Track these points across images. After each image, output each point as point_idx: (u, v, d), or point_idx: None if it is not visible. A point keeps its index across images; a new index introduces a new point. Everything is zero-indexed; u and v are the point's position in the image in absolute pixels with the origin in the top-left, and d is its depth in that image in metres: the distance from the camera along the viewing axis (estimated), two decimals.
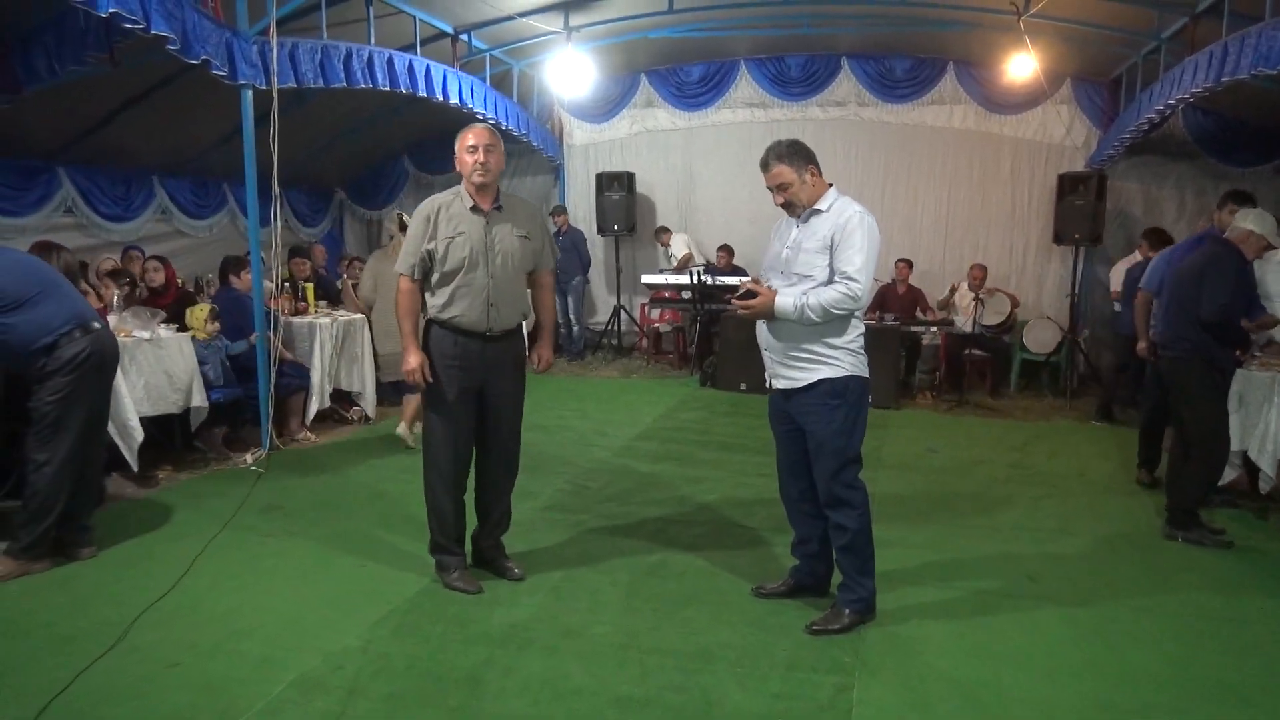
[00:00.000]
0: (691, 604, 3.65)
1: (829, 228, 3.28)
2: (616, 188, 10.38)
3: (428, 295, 3.72)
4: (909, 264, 8.99)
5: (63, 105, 6.80)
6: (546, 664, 3.14)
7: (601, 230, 10.58)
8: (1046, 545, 4.44)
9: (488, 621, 3.47)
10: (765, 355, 3.49)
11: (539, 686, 2.98)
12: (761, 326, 3.45)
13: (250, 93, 5.77)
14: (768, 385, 3.54)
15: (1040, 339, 8.58)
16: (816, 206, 3.35)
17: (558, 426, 7.03)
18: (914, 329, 8.57)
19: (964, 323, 8.51)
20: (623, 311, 10.72)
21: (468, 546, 3.96)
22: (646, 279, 9.88)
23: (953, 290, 8.80)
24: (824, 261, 3.27)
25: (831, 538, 3.46)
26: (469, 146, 3.61)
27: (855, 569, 3.41)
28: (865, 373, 3.39)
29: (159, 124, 7.80)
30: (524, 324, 3.95)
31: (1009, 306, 8.64)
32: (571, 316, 10.51)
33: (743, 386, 8.32)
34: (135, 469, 5.04)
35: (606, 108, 10.94)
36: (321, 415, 6.77)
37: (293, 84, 6.06)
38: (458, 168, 3.68)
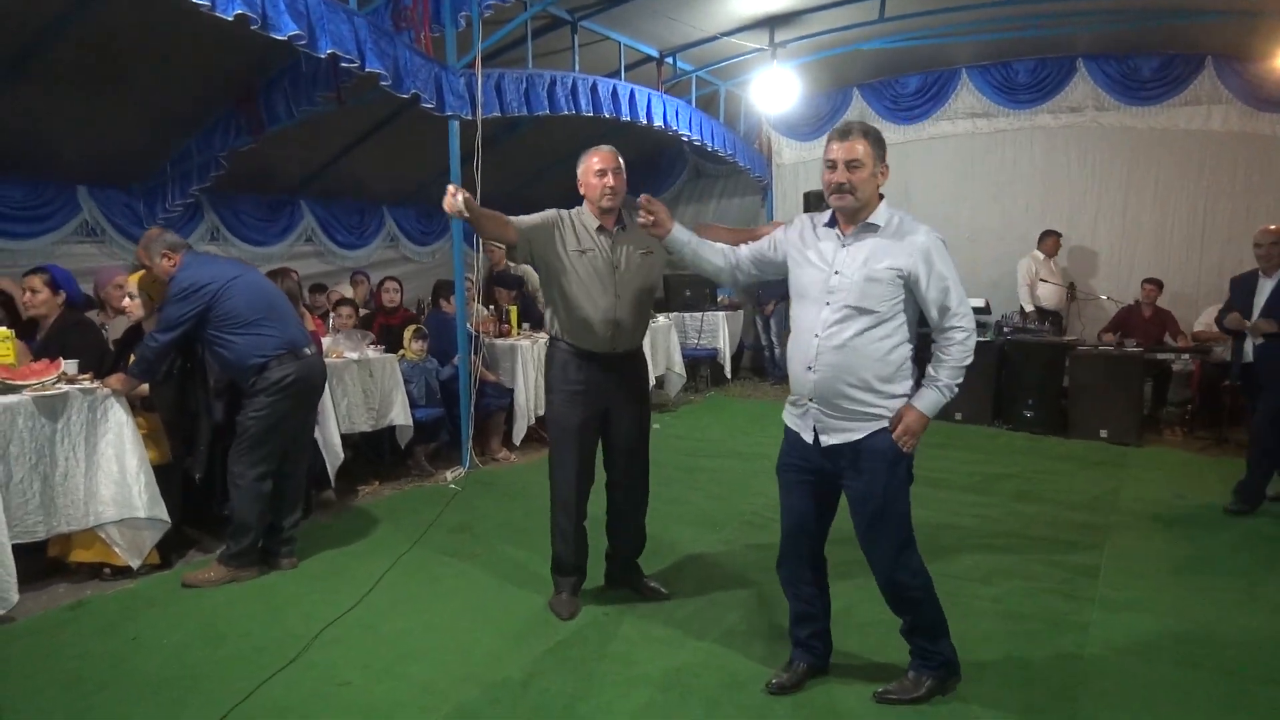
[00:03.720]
0: (875, 660, 3.30)
1: (903, 256, 2.78)
2: (824, 206, 9.96)
3: (549, 313, 3.72)
4: (1158, 285, 8.01)
5: (301, 143, 7.46)
6: (708, 716, 2.93)
7: None
8: None
9: (652, 663, 3.30)
10: (810, 406, 2.87)
11: None
12: (806, 370, 2.84)
13: (457, 123, 6.02)
14: (810, 440, 2.90)
15: None
16: (871, 221, 2.84)
17: (753, 454, 6.78)
18: (1161, 356, 7.59)
19: (1224, 350, 7.43)
20: None
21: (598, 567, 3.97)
22: None
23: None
24: (895, 295, 2.79)
25: (902, 625, 3.02)
26: (597, 170, 3.60)
27: (929, 640, 2.97)
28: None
29: (385, 158, 8.39)
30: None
31: None
32: (774, 339, 10.24)
33: (958, 416, 7.72)
34: (332, 486, 5.36)
35: (817, 124, 10.62)
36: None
37: (497, 113, 6.28)
38: (582, 190, 3.66)
